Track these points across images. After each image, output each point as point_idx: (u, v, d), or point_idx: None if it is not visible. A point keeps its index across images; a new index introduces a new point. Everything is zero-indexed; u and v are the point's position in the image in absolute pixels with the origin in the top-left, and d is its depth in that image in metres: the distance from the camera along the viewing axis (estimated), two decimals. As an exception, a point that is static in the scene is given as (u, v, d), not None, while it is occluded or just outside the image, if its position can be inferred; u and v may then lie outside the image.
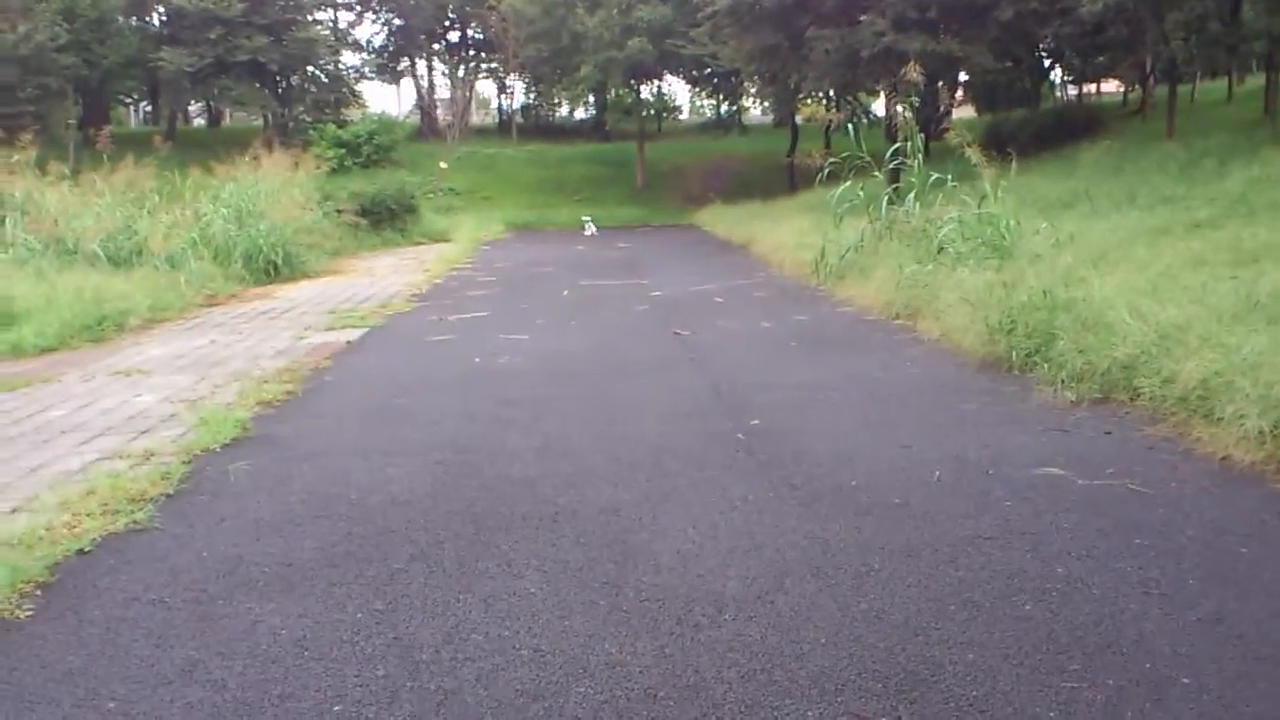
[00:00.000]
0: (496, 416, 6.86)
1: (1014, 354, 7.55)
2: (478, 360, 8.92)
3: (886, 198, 13.19)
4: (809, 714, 3.09)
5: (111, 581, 4.28)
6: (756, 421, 6.49)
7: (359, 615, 3.90)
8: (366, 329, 10.90)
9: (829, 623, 3.68)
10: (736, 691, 3.24)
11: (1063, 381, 6.77)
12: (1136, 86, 30.85)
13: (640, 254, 19.28)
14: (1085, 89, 40.27)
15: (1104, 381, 6.59)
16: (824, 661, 3.41)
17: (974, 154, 11.01)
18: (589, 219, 17.63)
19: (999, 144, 13.29)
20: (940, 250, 10.74)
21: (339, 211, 20.25)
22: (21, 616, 3.96)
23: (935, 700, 3.14)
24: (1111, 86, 39.36)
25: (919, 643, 3.51)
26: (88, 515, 4.98)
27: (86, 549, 4.61)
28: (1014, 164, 11.52)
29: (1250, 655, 3.32)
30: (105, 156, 16.96)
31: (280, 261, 15.46)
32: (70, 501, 5.19)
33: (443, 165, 32.04)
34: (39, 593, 4.17)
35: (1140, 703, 3.06)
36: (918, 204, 12.39)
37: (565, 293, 13.72)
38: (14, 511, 5.14)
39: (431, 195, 28.14)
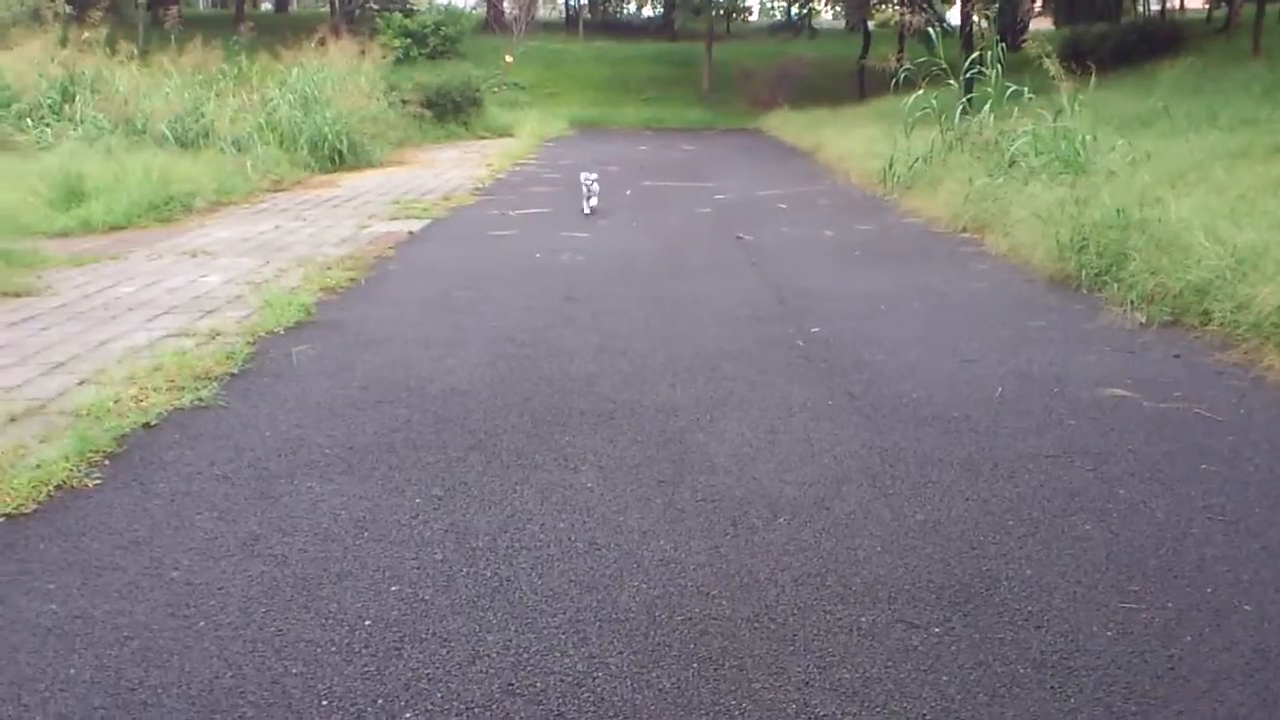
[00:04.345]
0: (557, 312, 6.86)
1: (1084, 273, 7.40)
2: (539, 256, 8.91)
3: (960, 108, 12.87)
4: (862, 620, 3.09)
5: (176, 455, 4.36)
6: (817, 329, 6.44)
7: (417, 500, 3.94)
8: (429, 220, 10.90)
9: (885, 532, 3.67)
10: (790, 594, 3.25)
11: (1132, 303, 6.64)
12: (1222, 3, 29.72)
13: (704, 157, 19.06)
14: (1168, 4, 38.92)
15: (1175, 304, 6.45)
16: (878, 569, 3.40)
17: (1052, 66, 10.69)
18: (593, 177, 11.56)
19: (1077, 57, 12.85)
20: (1012, 164, 10.50)
21: (404, 102, 20.14)
22: (90, 485, 4.05)
23: (989, 613, 3.13)
24: (1196, 2, 37.98)
25: (975, 556, 3.49)
26: (154, 390, 5.07)
27: (152, 423, 4.70)
28: (1093, 78, 11.17)
29: (1314, 586, 3.27)
30: (174, 37, 16.98)
31: (345, 150, 15.43)
32: (137, 376, 5.29)
33: (508, 59, 31.68)
34: (107, 463, 4.26)
35: (1199, 627, 3.03)
36: (992, 115, 12.08)
37: (628, 192, 13.61)
38: (82, 383, 5.23)
39: (496, 89, 27.87)
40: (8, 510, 3.79)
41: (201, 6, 50.73)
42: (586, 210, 11.34)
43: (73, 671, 2.85)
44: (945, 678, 2.81)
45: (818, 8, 45.22)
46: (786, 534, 3.66)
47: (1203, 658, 2.88)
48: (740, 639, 3.00)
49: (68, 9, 19.02)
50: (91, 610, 3.15)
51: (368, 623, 3.09)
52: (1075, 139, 10.15)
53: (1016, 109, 11.81)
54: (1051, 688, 2.76)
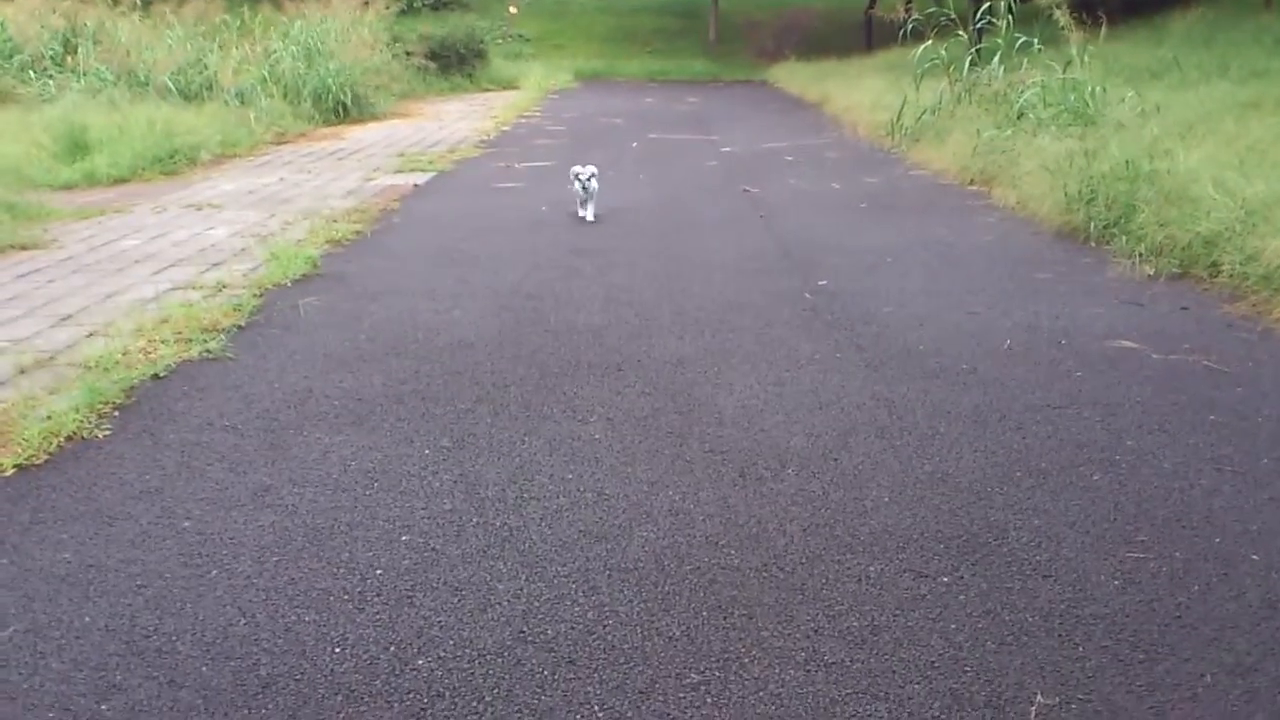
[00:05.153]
0: (563, 265, 6.85)
1: (1092, 225, 7.37)
2: (545, 209, 8.88)
3: (969, 59, 12.75)
4: (870, 569, 3.11)
5: (186, 407, 4.37)
6: (824, 282, 6.42)
7: (426, 451, 3.96)
8: (435, 173, 10.87)
9: (893, 482, 3.68)
10: (798, 544, 3.26)
11: (1141, 255, 6.62)
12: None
13: (710, 110, 18.93)
14: (1182, -46, 38.42)
15: (1184, 256, 6.43)
16: (886, 520, 3.41)
17: (1062, 17, 10.59)
18: (590, 173, 8.35)
19: (1088, 8, 12.72)
20: (1021, 116, 10.42)
21: (408, 54, 20.01)
22: (100, 436, 4.07)
23: (997, 563, 3.14)
24: (1210, -48, 37.50)
25: (983, 506, 3.50)
26: (162, 342, 5.08)
27: (161, 374, 4.71)
28: (1103, 29, 11.06)
29: (1321, 536, 3.27)
30: (175, -12, 16.86)
31: (349, 102, 15.36)
32: (145, 328, 5.30)
33: (513, 10, 31.44)
34: (116, 414, 4.28)
35: (1207, 577, 3.04)
36: (1002, 67, 11.97)
37: (634, 145, 13.55)
38: (90, 336, 5.25)
39: (501, 41, 27.71)
40: (19, 461, 3.81)
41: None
42: (582, 215, 8.47)
43: (87, 619, 2.87)
44: (953, 626, 2.83)
45: (825, -42, 44.73)
46: (795, 485, 3.67)
47: (1210, 606, 2.90)
48: (749, 588, 3.02)
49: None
50: (105, 559, 3.17)
51: (379, 572, 3.11)
52: (1084, 91, 10.06)
53: (1026, 60, 11.70)
54: (1059, 636, 2.77)
